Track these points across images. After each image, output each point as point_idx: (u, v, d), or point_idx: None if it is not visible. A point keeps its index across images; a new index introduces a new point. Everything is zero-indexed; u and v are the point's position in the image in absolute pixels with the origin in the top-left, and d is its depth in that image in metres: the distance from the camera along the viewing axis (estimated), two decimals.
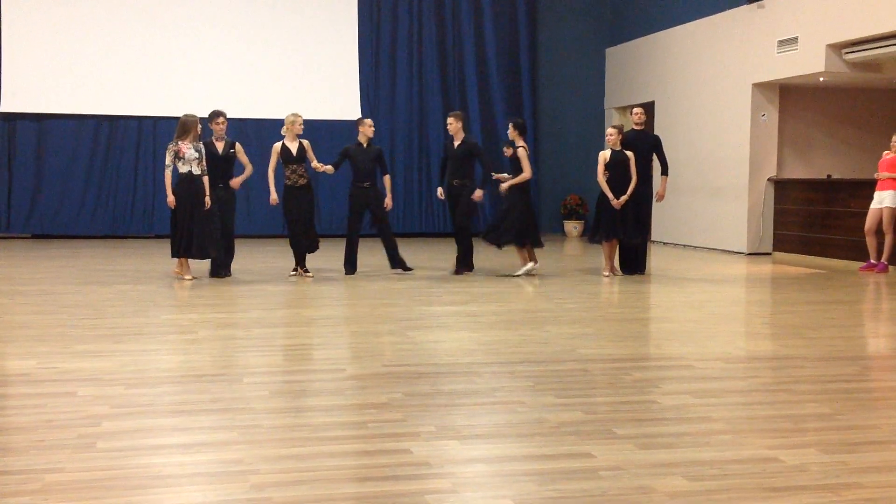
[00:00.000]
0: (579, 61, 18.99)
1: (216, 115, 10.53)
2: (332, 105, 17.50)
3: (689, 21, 15.90)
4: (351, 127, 17.38)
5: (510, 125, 11.03)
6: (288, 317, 8.10)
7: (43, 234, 16.72)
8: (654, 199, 11.41)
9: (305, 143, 10.66)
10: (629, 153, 10.94)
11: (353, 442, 4.27)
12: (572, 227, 18.57)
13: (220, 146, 10.45)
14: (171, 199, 10.09)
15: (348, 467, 3.90)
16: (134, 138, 17.00)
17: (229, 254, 10.63)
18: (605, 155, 10.99)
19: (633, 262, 11.29)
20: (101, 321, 7.55)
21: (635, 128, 11.37)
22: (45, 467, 3.78)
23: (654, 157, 11.38)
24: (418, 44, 18.14)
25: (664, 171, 11.36)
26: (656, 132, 13.85)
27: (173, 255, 10.30)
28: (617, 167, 10.85)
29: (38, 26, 16.49)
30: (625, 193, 10.79)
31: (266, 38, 17.34)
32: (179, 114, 15.79)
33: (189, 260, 10.30)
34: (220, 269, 10.49)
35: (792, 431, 4.47)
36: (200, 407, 4.84)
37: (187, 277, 10.23)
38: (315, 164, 10.58)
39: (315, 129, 16.64)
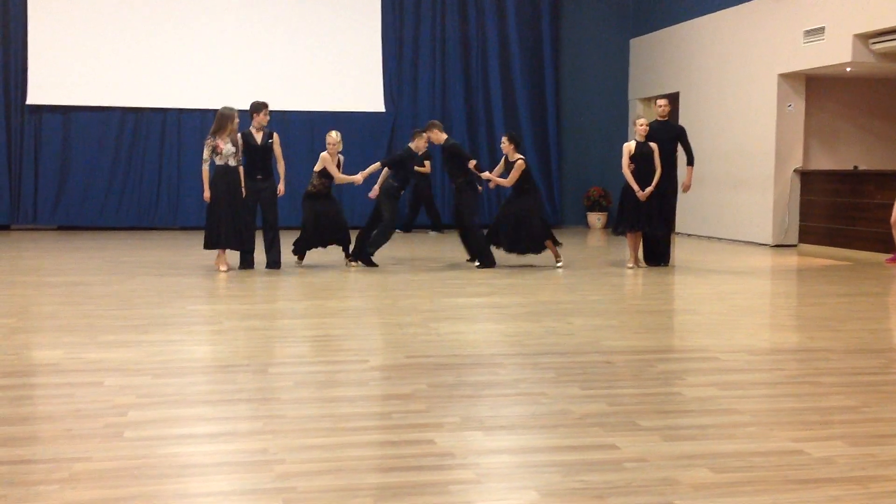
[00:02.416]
0: (603, 52, 18.90)
1: (263, 106, 10.49)
2: (354, 97, 17.53)
3: (715, 11, 15.79)
4: (373, 119, 17.57)
5: (504, 137, 11.00)
6: (312, 308, 8.13)
7: (69, 225, 16.84)
8: (679, 190, 11.35)
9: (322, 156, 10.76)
10: (653, 145, 10.89)
11: (378, 432, 4.28)
12: (595, 218, 18.50)
13: (258, 137, 10.46)
14: (207, 194, 10.11)
15: (373, 457, 3.91)
16: (158, 130, 17.09)
17: (274, 247, 10.55)
18: (629, 147, 10.94)
19: (658, 254, 11.25)
20: (128, 312, 7.60)
21: (659, 119, 11.31)
22: (73, 456, 3.82)
23: (679, 148, 11.30)
24: (441, 35, 18.12)
25: (690, 162, 11.28)
26: (681, 123, 13.76)
27: (206, 247, 10.32)
28: (641, 159, 10.81)
29: (64, 19, 16.59)
30: (649, 185, 10.75)
31: (289, 31, 17.37)
32: (203, 106, 15.91)
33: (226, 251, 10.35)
34: (251, 261, 10.50)
35: (818, 424, 4.44)
36: (226, 397, 4.88)
37: (223, 269, 10.25)
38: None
39: (338, 121, 16.70)
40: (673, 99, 15.30)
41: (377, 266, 10.91)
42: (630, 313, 7.98)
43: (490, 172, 11.15)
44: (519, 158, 10.76)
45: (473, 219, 11.07)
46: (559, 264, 10.99)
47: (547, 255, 11.01)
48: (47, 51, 16.54)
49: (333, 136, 10.77)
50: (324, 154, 10.68)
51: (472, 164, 10.96)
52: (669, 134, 11.17)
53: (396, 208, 11.22)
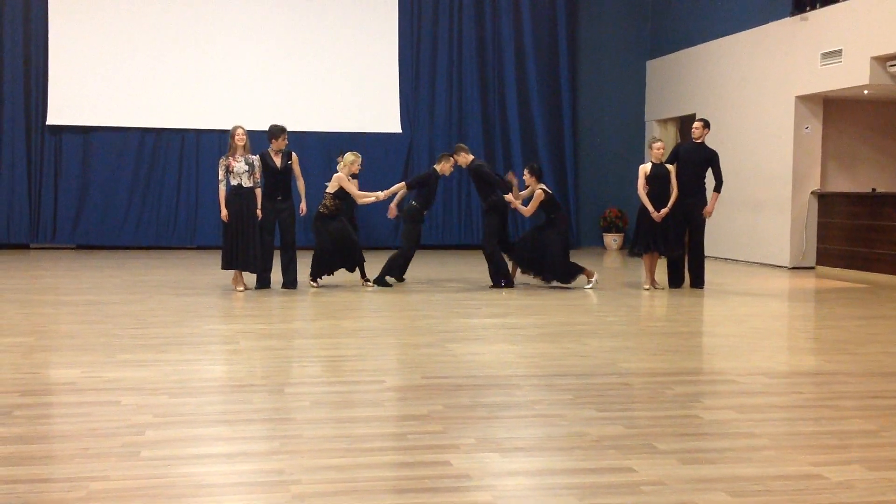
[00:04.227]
0: (619, 74, 18.94)
1: (282, 131, 10.54)
2: (371, 118, 17.62)
3: (732, 33, 15.81)
4: (390, 140, 17.64)
5: (525, 169, 11.08)
6: (328, 328, 8.14)
7: (88, 244, 16.95)
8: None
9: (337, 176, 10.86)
10: (670, 166, 10.89)
11: (394, 453, 4.28)
12: (612, 239, 18.49)
13: (277, 160, 10.51)
14: (224, 213, 10.16)
15: (388, 478, 3.91)
16: (177, 151, 17.21)
17: (291, 267, 10.59)
18: (645, 168, 10.95)
19: (690, 276, 11.18)
20: (145, 331, 7.63)
21: (694, 140, 11.22)
22: (90, 475, 3.83)
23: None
24: (458, 57, 18.19)
25: (717, 188, 11.13)
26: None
27: (223, 267, 10.37)
28: (658, 180, 10.81)
29: (84, 41, 16.76)
30: (665, 206, 10.74)
31: (307, 53, 17.49)
32: (221, 126, 16.01)
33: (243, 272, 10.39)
34: (267, 280, 10.55)
35: (836, 448, 4.41)
36: (242, 417, 4.88)
37: (239, 289, 10.30)
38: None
39: (354, 143, 16.78)
40: (689, 121, 15.30)
41: (391, 286, 10.97)
42: (647, 335, 7.95)
43: (513, 195, 11.17)
44: (538, 188, 10.83)
45: (494, 241, 11.08)
46: (588, 286, 11.01)
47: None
48: (67, 72, 16.70)
49: (352, 157, 10.84)
50: (339, 175, 10.71)
51: (508, 197, 11.02)
52: (700, 157, 11.09)
53: (417, 230, 11.25)
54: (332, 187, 10.71)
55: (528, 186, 11.07)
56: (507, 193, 11.13)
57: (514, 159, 18.15)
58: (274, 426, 4.69)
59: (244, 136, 10.22)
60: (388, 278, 11.03)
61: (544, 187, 10.93)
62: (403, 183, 11.55)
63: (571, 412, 5.01)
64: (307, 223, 15.01)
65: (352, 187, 10.79)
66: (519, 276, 11.46)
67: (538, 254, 10.85)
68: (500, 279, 11.03)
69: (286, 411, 5.02)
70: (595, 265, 14.35)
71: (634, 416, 4.96)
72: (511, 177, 11.39)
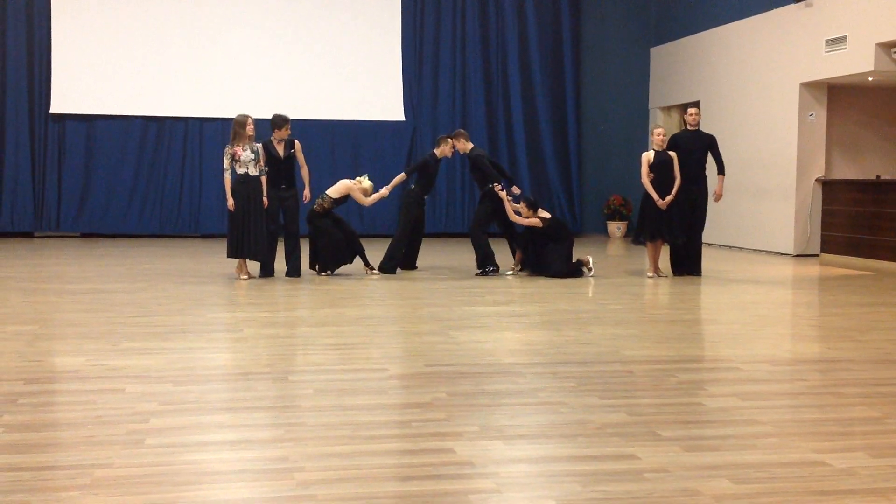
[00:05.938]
0: (623, 61, 18.88)
1: (285, 122, 10.53)
2: (374, 106, 17.59)
3: (736, 20, 15.75)
4: (393, 128, 17.62)
5: (521, 202, 11.08)
6: (332, 316, 8.15)
7: (91, 233, 16.97)
8: (709, 200, 11.26)
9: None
10: (672, 153, 10.87)
11: (397, 441, 4.29)
12: (615, 227, 18.47)
13: (280, 148, 10.50)
14: (230, 202, 10.14)
15: (392, 466, 3.92)
16: (180, 139, 17.21)
17: (295, 255, 10.61)
18: (648, 156, 10.93)
19: (686, 263, 11.19)
20: (149, 319, 7.65)
21: (689, 128, 11.22)
22: (95, 463, 3.84)
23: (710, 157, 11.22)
24: (461, 44, 18.16)
25: (720, 171, 11.16)
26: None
27: (229, 256, 10.38)
28: (661, 168, 10.79)
29: (88, 29, 16.75)
30: (669, 194, 10.73)
31: (310, 40, 17.46)
32: (225, 115, 16.03)
33: (247, 260, 10.40)
34: (271, 269, 10.55)
35: (840, 435, 4.41)
36: (246, 404, 4.90)
37: (243, 277, 10.31)
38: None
39: (357, 131, 16.76)
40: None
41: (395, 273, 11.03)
42: (650, 323, 7.95)
43: (508, 190, 11.18)
44: (535, 218, 10.89)
45: (482, 228, 11.12)
46: (590, 273, 11.04)
47: None
48: (71, 60, 16.69)
49: (369, 184, 10.98)
50: (350, 185, 10.76)
51: (496, 188, 10.99)
52: (700, 143, 11.09)
53: (414, 215, 11.28)
54: (336, 192, 10.72)
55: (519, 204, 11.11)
56: (505, 189, 11.09)
57: (517, 147, 18.15)
58: (278, 414, 4.70)
59: (253, 127, 10.23)
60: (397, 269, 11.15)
61: (542, 216, 10.96)
62: (403, 174, 11.57)
63: (574, 400, 5.01)
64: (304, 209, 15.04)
65: (360, 196, 10.86)
66: None
67: (541, 263, 10.95)
68: (487, 265, 11.05)
69: (290, 399, 5.03)
70: (598, 253, 14.36)
71: (637, 404, 4.97)
72: (498, 189, 11.23)
